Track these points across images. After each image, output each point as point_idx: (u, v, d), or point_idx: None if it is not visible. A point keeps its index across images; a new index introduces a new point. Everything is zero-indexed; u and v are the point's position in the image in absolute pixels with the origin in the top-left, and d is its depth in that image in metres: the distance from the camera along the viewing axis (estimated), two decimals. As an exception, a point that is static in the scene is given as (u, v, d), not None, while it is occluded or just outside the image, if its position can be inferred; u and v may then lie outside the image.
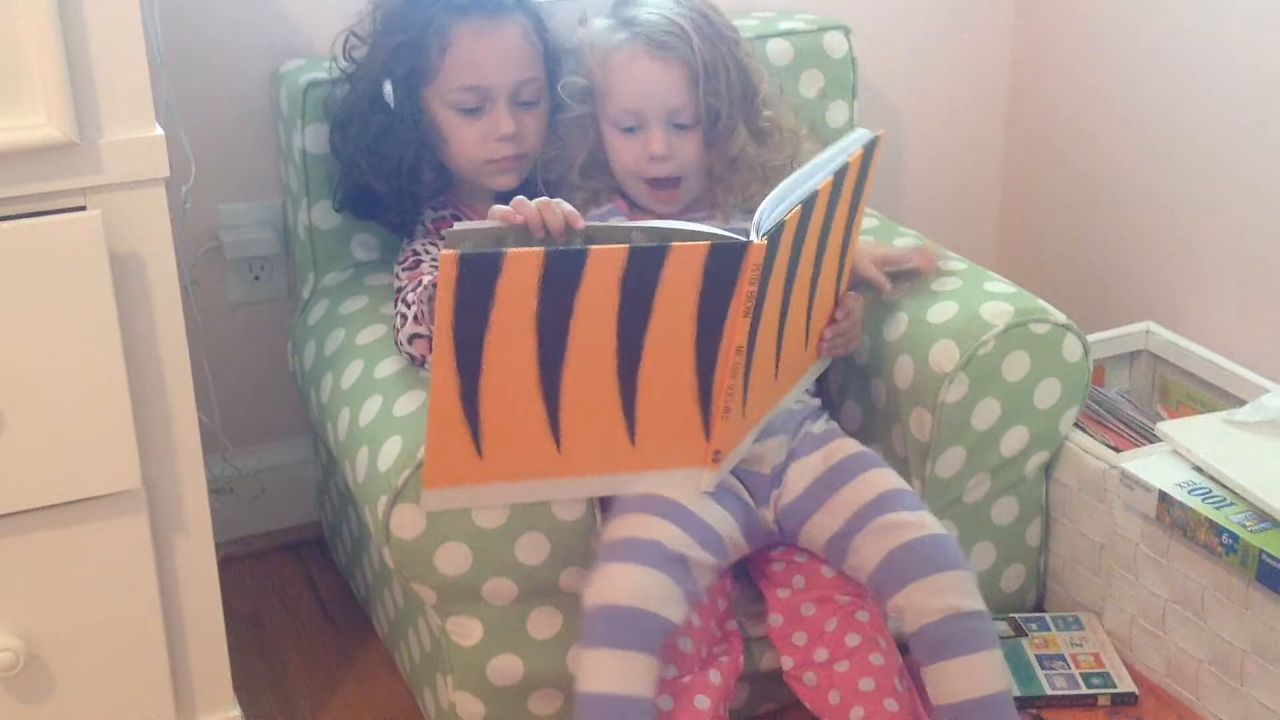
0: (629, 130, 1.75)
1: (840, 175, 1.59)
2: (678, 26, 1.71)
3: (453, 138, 1.82)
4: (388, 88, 1.81)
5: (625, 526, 1.59)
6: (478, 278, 1.41)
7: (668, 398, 1.54)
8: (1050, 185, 2.47)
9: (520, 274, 1.42)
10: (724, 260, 1.46)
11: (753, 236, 1.46)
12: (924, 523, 1.62)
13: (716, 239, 1.46)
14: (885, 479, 1.67)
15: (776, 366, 1.64)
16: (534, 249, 1.43)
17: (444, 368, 1.47)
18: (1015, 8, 2.45)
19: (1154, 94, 2.23)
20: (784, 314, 1.60)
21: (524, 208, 1.46)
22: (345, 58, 1.87)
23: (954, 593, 1.58)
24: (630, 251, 1.45)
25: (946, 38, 2.44)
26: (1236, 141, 2.11)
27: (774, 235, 1.48)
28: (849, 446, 1.73)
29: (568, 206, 1.48)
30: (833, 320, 1.75)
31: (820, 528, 1.69)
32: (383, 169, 1.84)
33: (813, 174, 1.58)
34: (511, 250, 1.42)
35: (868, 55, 2.24)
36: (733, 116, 1.75)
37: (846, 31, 2.16)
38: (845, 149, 1.64)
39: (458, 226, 1.43)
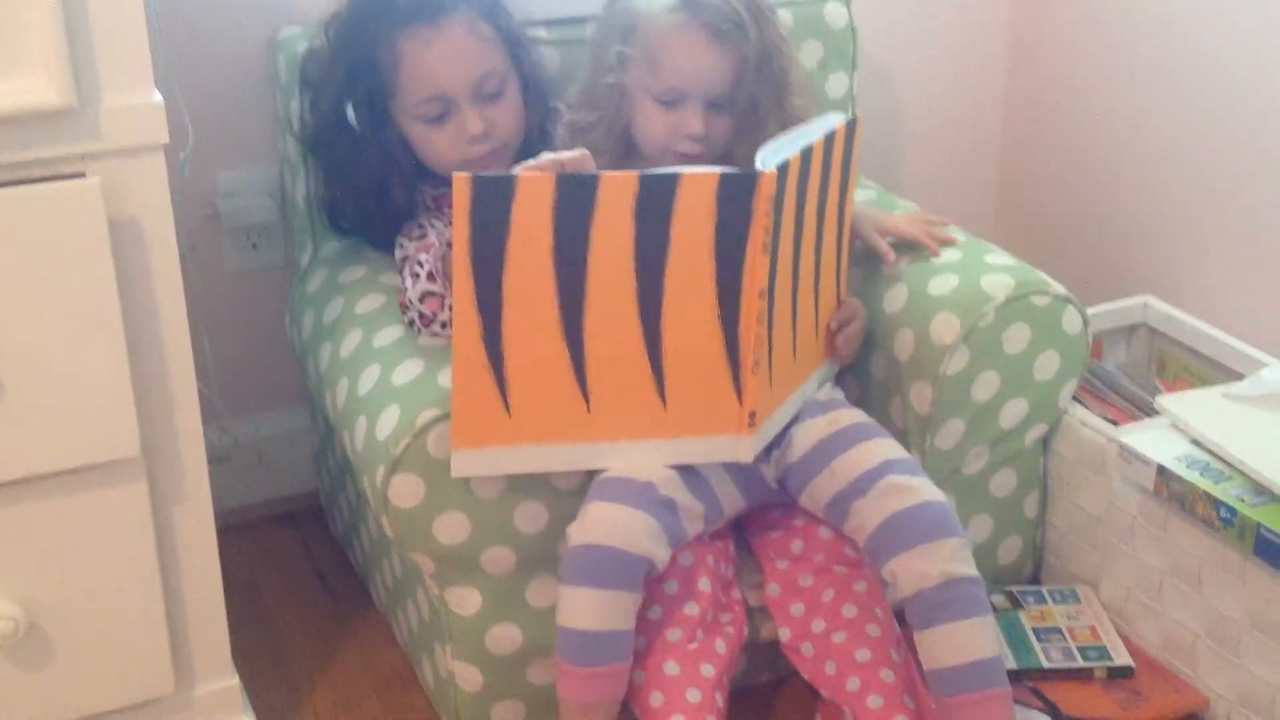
0: (667, 104, 1.75)
1: (830, 140, 1.61)
2: (738, 15, 1.72)
3: (426, 147, 1.82)
4: (350, 110, 1.81)
5: (622, 467, 1.60)
6: (492, 202, 1.44)
7: (694, 349, 1.55)
8: (1049, 157, 2.46)
9: (534, 199, 1.44)
10: (736, 192, 1.49)
11: (761, 168, 1.48)
12: (924, 489, 1.62)
13: (726, 171, 1.48)
14: (888, 447, 1.68)
15: (794, 342, 1.65)
16: (546, 174, 1.46)
17: (465, 311, 1.48)
18: (1016, -21, 2.45)
19: (1155, 66, 2.22)
20: (796, 275, 1.61)
21: (547, 163, 1.51)
22: (305, 80, 1.86)
23: (950, 559, 1.58)
24: (641, 179, 1.47)
25: (947, 9, 2.43)
26: (1237, 114, 2.10)
27: (782, 171, 1.50)
28: (854, 415, 1.73)
29: (591, 165, 1.52)
30: (842, 323, 1.77)
31: (823, 488, 1.69)
32: (350, 191, 1.85)
33: (802, 135, 1.60)
34: (524, 174, 1.46)
35: (868, 26, 2.23)
36: (769, 107, 1.76)
37: (847, 1, 2.15)
38: (827, 122, 1.67)
39: (476, 173, 1.46)
